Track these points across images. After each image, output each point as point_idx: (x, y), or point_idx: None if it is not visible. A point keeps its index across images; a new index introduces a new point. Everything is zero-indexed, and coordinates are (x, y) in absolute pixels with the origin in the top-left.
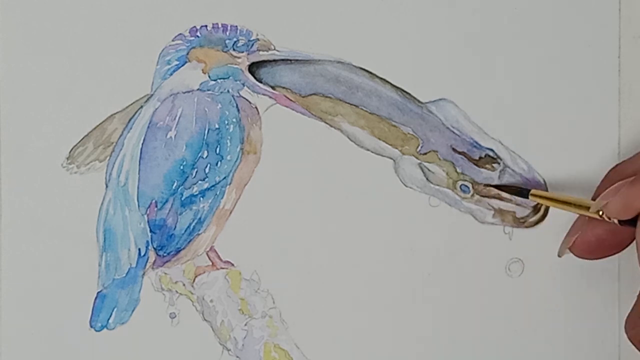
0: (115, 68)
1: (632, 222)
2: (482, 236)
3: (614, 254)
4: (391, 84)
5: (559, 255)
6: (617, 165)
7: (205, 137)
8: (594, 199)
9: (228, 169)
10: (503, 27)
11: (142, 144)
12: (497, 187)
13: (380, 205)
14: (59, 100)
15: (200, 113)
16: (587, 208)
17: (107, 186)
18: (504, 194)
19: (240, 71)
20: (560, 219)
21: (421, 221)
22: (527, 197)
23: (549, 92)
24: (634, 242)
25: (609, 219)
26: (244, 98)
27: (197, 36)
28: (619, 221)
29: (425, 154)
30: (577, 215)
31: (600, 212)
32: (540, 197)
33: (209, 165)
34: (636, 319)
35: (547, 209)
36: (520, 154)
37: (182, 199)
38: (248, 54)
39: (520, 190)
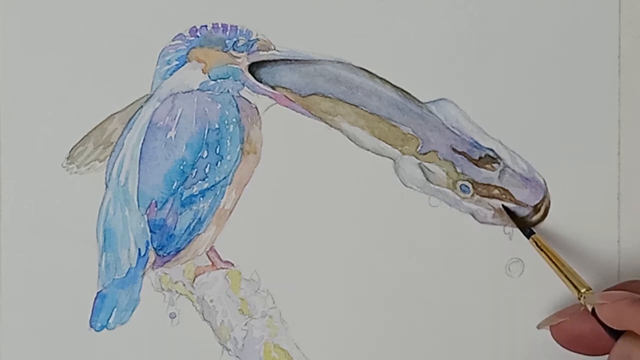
0: (115, 68)
1: (614, 333)
2: (482, 236)
3: (588, 354)
4: (391, 84)
5: (538, 327)
6: (636, 280)
7: (205, 137)
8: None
9: (228, 169)
10: (503, 27)
11: (142, 144)
12: (507, 211)
13: (380, 205)
14: (59, 100)
15: (200, 113)
16: (578, 290)
17: (107, 186)
18: (504, 194)
19: (240, 71)
20: (560, 220)
21: (421, 221)
22: (528, 238)
23: (549, 92)
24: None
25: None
26: (244, 98)
27: (197, 36)
28: (607, 328)
29: (425, 154)
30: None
31: (590, 306)
32: (540, 247)
33: (209, 165)
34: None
35: (547, 209)
36: (520, 154)
37: (182, 199)
38: (248, 54)
39: (524, 226)
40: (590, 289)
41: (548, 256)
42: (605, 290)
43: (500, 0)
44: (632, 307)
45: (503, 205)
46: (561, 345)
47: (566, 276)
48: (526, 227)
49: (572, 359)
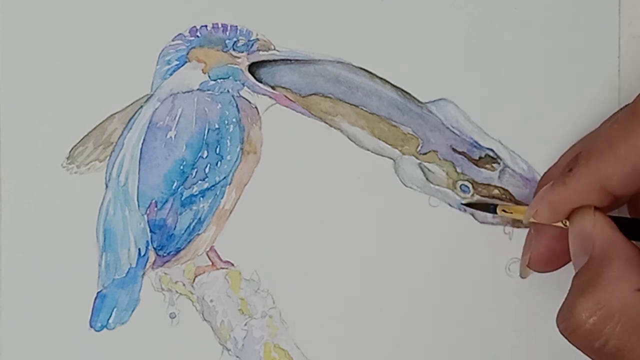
0: (115, 68)
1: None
2: (482, 236)
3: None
4: (391, 84)
5: (522, 277)
6: (544, 174)
7: (205, 137)
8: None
9: (228, 169)
10: (503, 26)
11: (142, 144)
12: (467, 205)
13: (380, 205)
14: (59, 100)
15: (200, 113)
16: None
17: (107, 186)
18: (504, 194)
19: (240, 71)
20: None
21: (421, 221)
22: (496, 213)
23: (549, 92)
24: None
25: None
26: (244, 98)
27: (197, 36)
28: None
29: (425, 154)
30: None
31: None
32: (507, 212)
33: (209, 165)
34: (566, 312)
35: None
36: (520, 154)
37: (182, 199)
38: (248, 54)
39: (487, 207)
40: None
41: (516, 212)
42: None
43: (500, 0)
44: (555, 191)
45: (462, 204)
46: (548, 271)
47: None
48: (489, 208)
49: (573, 359)
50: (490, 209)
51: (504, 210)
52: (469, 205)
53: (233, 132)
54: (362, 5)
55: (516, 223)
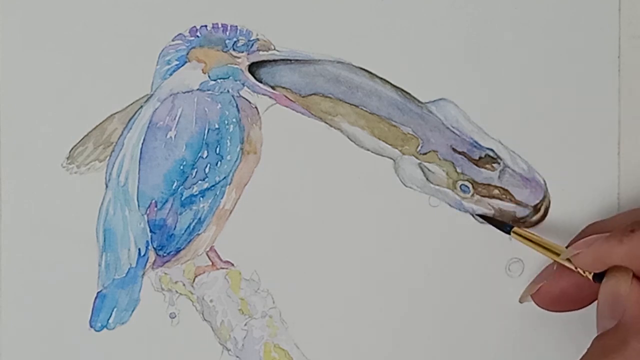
0: (115, 68)
1: (598, 278)
2: (482, 236)
3: (574, 309)
4: (391, 84)
5: (520, 302)
6: (595, 222)
7: (205, 137)
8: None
9: (228, 169)
10: (503, 26)
11: (142, 144)
12: (483, 217)
13: (380, 205)
14: (59, 100)
15: (200, 113)
16: (558, 254)
17: (107, 186)
18: (504, 194)
19: (240, 71)
20: (560, 220)
21: (421, 221)
22: (509, 234)
23: (549, 92)
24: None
25: (576, 270)
26: (244, 98)
27: (197, 36)
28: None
29: (425, 154)
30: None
31: (568, 262)
32: (521, 236)
33: (208, 165)
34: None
35: (547, 209)
36: (520, 154)
37: (182, 199)
38: (248, 54)
39: (502, 224)
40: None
41: (533, 242)
42: (571, 242)
43: (500, 0)
44: (607, 243)
45: (477, 214)
46: (547, 309)
47: (547, 249)
48: (504, 226)
49: (573, 358)
50: (505, 228)
51: (519, 234)
52: (484, 218)
53: (233, 132)
54: (362, 5)
55: (516, 223)
